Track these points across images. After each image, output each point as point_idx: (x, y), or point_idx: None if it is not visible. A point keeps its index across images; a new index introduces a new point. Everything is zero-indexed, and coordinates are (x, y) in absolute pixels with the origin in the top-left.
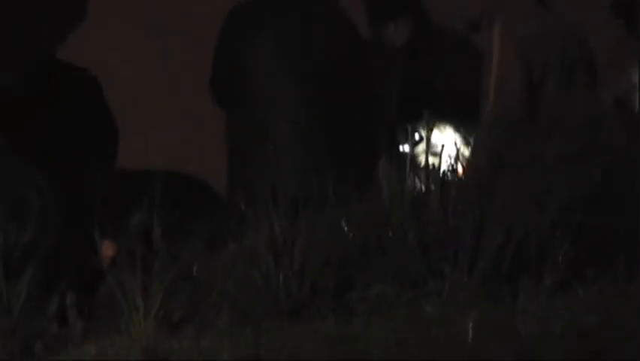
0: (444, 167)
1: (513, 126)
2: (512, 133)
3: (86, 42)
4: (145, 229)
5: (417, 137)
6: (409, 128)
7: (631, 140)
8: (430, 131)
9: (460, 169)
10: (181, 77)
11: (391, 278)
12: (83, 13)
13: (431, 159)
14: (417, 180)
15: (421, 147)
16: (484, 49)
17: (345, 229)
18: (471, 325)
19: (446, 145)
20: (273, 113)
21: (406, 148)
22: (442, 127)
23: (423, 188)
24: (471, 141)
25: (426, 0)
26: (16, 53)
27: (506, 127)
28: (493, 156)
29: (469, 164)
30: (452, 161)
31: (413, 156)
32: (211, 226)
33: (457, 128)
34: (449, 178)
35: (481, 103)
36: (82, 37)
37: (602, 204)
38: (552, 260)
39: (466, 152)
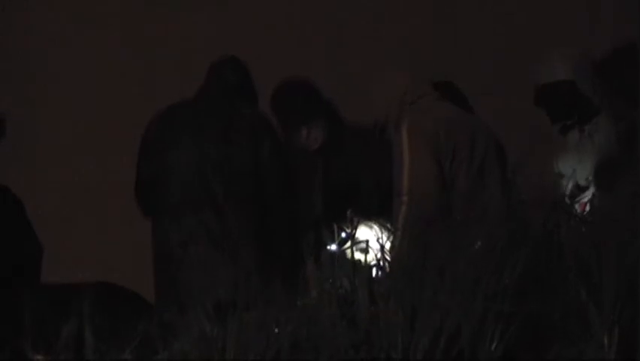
0: (371, 263)
1: (432, 220)
2: (433, 226)
3: None
4: (75, 341)
5: (343, 234)
6: (335, 227)
7: (555, 224)
8: (355, 229)
9: (387, 265)
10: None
11: None
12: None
13: (358, 256)
14: (345, 278)
15: (347, 245)
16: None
17: (276, 330)
18: None
19: (372, 241)
20: (197, 217)
21: (332, 247)
22: (367, 224)
23: (351, 286)
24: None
25: (336, 102)
26: None
27: (424, 221)
28: (418, 250)
29: (394, 259)
30: (379, 257)
31: (340, 255)
32: (141, 334)
33: (382, 224)
34: (377, 274)
35: (394, 200)
36: None
37: (533, 291)
38: (486, 349)
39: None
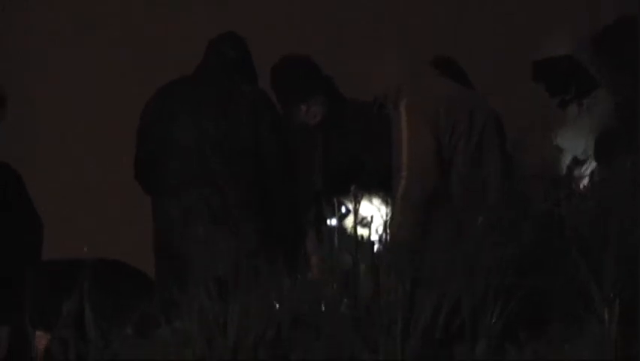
0: (373, 238)
1: (432, 197)
2: (433, 203)
3: None
4: (76, 317)
5: (344, 210)
6: (336, 202)
7: (557, 200)
8: (357, 203)
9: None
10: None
11: (325, 353)
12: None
13: (360, 231)
14: (346, 252)
15: (349, 219)
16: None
17: (277, 306)
18: None
19: (375, 216)
20: (198, 195)
21: (333, 222)
22: (369, 199)
23: (353, 260)
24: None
25: (335, 79)
26: None
27: (424, 198)
28: (418, 226)
29: (394, 235)
30: (381, 231)
31: (341, 229)
32: (142, 310)
33: (384, 199)
34: (379, 249)
35: (394, 177)
36: None
37: (533, 266)
38: (486, 324)
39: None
